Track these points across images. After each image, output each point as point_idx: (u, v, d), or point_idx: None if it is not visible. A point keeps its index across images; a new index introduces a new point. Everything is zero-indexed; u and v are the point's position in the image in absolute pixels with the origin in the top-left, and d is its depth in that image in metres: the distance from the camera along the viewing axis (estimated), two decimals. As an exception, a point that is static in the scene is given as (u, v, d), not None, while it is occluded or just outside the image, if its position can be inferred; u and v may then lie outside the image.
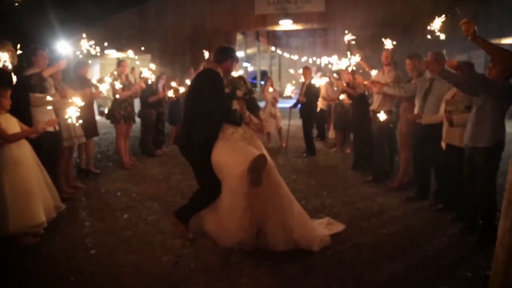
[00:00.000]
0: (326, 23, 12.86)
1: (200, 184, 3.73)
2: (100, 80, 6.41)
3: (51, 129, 4.73)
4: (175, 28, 13.49)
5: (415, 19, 10.36)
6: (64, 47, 5.18)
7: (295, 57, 21.86)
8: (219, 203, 3.56)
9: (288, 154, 8.11)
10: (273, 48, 22.65)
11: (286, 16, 12.57)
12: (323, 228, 3.83)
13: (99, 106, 14.57)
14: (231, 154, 3.44)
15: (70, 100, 4.49)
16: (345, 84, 6.81)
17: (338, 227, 3.93)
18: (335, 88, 8.71)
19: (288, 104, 9.34)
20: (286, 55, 22.89)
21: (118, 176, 6.42)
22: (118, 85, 6.55)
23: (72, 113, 3.99)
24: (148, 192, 5.44)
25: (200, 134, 3.56)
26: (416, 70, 5.15)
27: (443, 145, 4.23)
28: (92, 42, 4.61)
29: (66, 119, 5.24)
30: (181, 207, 3.88)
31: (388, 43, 5.25)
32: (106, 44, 7.96)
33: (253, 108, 3.74)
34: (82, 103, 4.40)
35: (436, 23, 3.65)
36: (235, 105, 3.64)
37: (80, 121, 4.19)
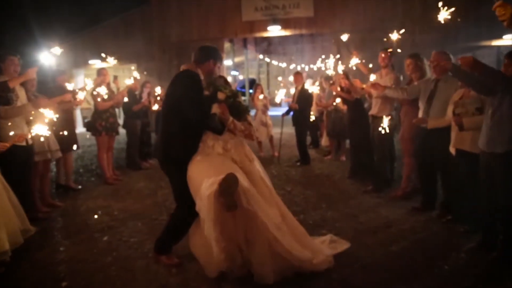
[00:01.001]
0: (315, 29, 12.59)
1: (177, 204, 3.32)
2: (82, 88, 5.97)
3: (23, 142, 4.28)
4: (161, 36, 13.08)
5: (405, 23, 10.17)
6: (46, 57, 4.94)
7: (284, 65, 21.66)
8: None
9: (281, 163, 7.73)
10: (261, 56, 22.38)
11: (275, 22, 12.28)
12: (326, 247, 3.42)
13: (84, 117, 14.05)
14: (205, 173, 2.93)
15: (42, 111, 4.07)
16: (339, 89, 6.49)
17: (343, 245, 3.52)
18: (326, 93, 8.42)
19: (279, 112, 8.99)
20: (275, 62, 22.68)
21: (100, 192, 5.95)
22: (103, 91, 6.07)
23: (39, 130, 3.53)
24: (132, 210, 4.99)
25: (177, 146, 3.15)
26: (418, 70, 4.83)
27: (452, 150, 3.89)
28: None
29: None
30: (158, 239, 3.39)
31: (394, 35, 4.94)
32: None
33: (240, 112, 3.24)
34: (54, 115, 3.98)
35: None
36: (215, 109, 3.15)
37: (48, 133, 3.71)
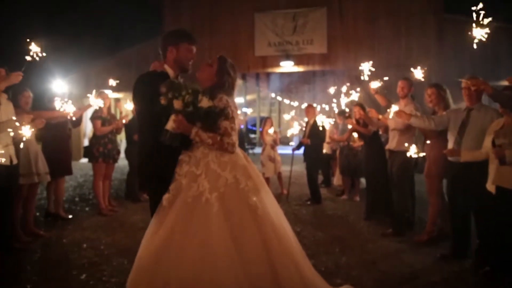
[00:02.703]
0: (329, 65, 12.38)
1: None
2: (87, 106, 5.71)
3: (6, 162, 3.86)
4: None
5: (419, 60, 9.89)
6: (60, 86, 4.90)
7: (295, 103, 21.49)
8: None
9: (290, 202, 7.16)
10: (273, 95, 22.31)
11: (288, 57, 12.13)
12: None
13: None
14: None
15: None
16: (354, 122, 6.03)
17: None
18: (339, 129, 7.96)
19: (289, 150, 8.53)
20: (286, 101, 22.55)
21: (91, 223, 5.44)
22: (98, 103, 5.67)
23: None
24: (120, 245, 4.44)
25: (142, 169, 2.75)
26: (442, 101, 4.41)
27: (491, 188, 3.34)
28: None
29: (27, 151, 4.47)
30: None
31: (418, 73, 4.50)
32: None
33: (206, 120, 2.55)
34: (28, 132, 3.64)
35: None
36: (170, 123, 2.53)
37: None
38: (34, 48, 3.61)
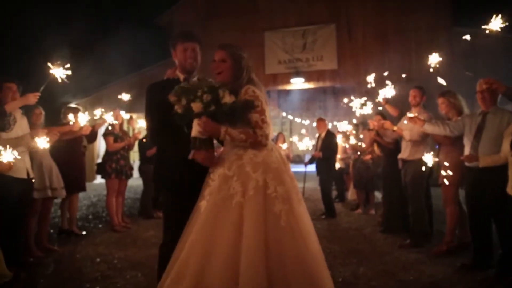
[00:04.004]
0: (339, 81, 12.39)
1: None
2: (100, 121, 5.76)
3: (22, 175, 3.91)
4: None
5: (431, 74, 9.84)
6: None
7: (307, 122, 21.46)
8: None
9: (304, 216, 7.03)
10: (284, 114, 22.35)
11: (298, 74, 12.19)
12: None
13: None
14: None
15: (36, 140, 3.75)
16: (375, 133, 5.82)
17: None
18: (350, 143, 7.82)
19: (301, 168, 8.47)
20: (297, 120, 22.55)
21: (104, 239, 5.42)
22: (111, 119, 5.72)
23: (7, 157, 3.13)
24: (134, 259, 4.40)
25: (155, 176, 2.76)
26: (454, 108, 4.37)
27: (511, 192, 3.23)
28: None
29: (41, 165, 4.51)
30: None
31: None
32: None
33: (233, 115, 2.32)
34: (45, 145, 3.70)
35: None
36: (195, 129, 2.32)
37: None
38: (55, 70, 3.61)
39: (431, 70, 4.20)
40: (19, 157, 3.22)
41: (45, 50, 11.77)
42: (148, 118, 2.72)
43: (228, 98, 2.28)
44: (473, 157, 3.63)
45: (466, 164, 3.77)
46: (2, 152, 3.16)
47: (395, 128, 4.99)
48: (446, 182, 4.23)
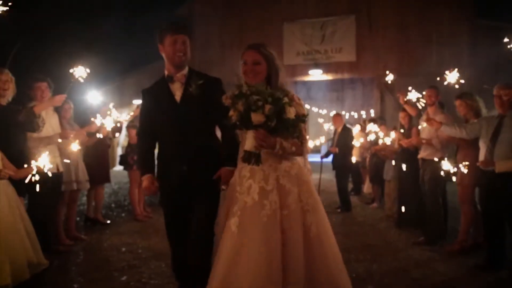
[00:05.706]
0: (358, 73, 12.36)
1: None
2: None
3: (53, 169, 4.14)
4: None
5: (451, 67, 9.72)
6: (94, 96, 4.78)
7: (324, 111, 21.42)
8: None
9: (319, 209, 7.17)
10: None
11: (316, 66, 12.19)
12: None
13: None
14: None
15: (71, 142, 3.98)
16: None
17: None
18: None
19: (317, 158, 8.56)
20: (315, 109, 22.51)
21: (128, 228, 5.68)
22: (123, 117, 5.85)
23: (44, 161, 3.32)
24: (157, 249, 4.63)
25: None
26: (471, 110, 4.38)
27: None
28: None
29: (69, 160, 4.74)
30: None
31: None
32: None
33: (291, 129, 2.14)
34: (77, 147, 3.99)
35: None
36: (249, 142, 2.18)
37: (50, 167, 3.42)
38: (79, 71, 3.76)
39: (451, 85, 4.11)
40: (51, 165, 3.42)
41: (67, 39, 12.03)
42: (139, 121, 2.86)
43: (291, 112, 2.09)
44: (489, 162, 3.68)
45: (482, 168, 3.82)
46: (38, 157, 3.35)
47: (423, 141, 4.86)
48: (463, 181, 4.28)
